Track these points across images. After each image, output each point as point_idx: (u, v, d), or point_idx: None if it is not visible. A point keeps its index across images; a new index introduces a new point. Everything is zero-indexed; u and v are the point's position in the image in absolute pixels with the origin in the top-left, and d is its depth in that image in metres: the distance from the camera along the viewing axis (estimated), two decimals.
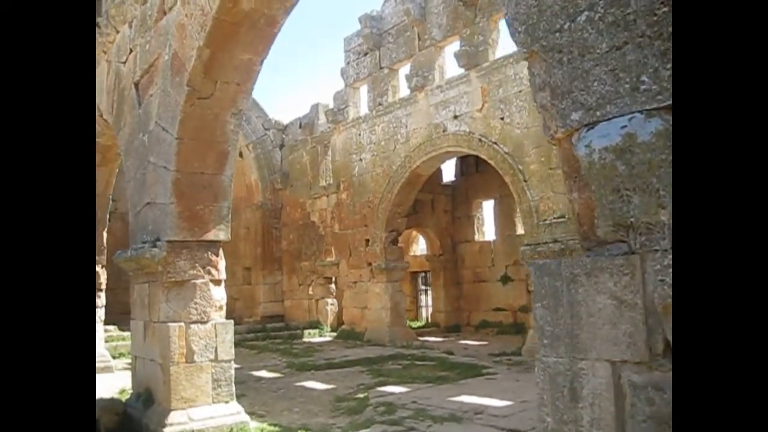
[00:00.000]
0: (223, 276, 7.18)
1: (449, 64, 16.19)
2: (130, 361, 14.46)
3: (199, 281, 6.96)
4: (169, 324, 6.77)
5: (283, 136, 21.78)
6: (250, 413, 7.30)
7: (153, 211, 7.24)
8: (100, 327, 13.32)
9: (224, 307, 7.17)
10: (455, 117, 14.88)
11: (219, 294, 7.10)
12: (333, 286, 19.89)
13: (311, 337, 18.85)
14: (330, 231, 19.16)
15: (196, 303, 6.92)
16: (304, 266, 20.48)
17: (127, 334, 16.31)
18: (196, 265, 6.95)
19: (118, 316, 17.56)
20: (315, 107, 20.46)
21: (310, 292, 20.25)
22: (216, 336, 7.02)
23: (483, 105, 14.09)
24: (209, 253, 7.06)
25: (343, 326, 18.68)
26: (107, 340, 14.06)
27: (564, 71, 2.56)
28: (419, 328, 19.78)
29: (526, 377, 9.71)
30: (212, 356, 6.99)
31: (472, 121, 14.35)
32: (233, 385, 7.16)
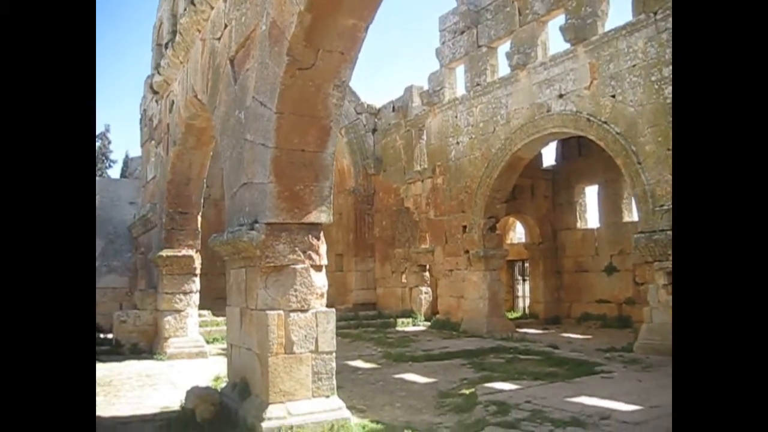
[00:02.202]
0: (324, 261, 6.68)
1: (553, 40, 15.25)
2: (223, 346, 14.43)
3: (299, 266, 6.48)
4: (268, 312, 6.32)
5: (376, 120, 21.30)
6: (350, 407, 6.78)
7: (250, 192, 6.80)
8: (194, 312, 13.23)
9: (325, 295, 6.68)
10: (560, 96, 13.96)
11: (320, 280, 6.60)
12: (427, 274, 19.31)
13: (404, 326, 18.34)
14: (425, 217, 18.55)
15: (296, 290, 6.44)
16: (397, 253, 19.97)
17: (221, 319, 16.27)
18: (296, 249, 6.47)
19: (212, 301, 17.59)
20: (409, 89, 19.85)
21: (404, 280, 19.73)
22: (317, 325, 6.54)
23: (591, 82, 13.13)
24: (310, 236, 6.56)
25: (438, 316, 18.07)
26: (201, 325, 13.95)
27: None
28: (516, 319, 18.94)
29: (649, 378, 8.81)
30: (312, 347, 6.50)
31: (579, 99, 13.40)
32: (334, 378, 6.66)
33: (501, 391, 8.27)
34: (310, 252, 6.53)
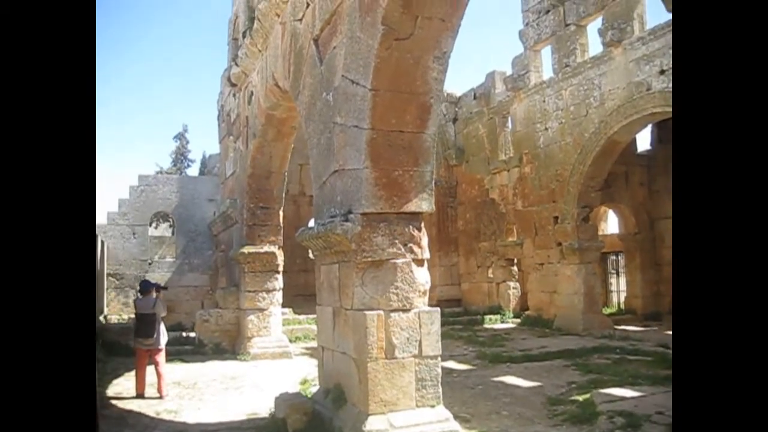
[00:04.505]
0: (426, 255, 5.97)
1: (651, 12, 14.10)
2: (307, 345, 13.99)
3: (399, 261, 5.79)
4: (366, 312, 5.66)
5: (456, 109, 20.47)
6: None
7: (342, 180, 6.15)
8: (277, 310, 12.79)
9: (428, 293, 5.97)
10: (662, 72, 12.86)
11: (423, 276, 5.90)
12: (515, 268, 18.40)
13: (492, 323, 17.49)
14: (512, 208, 17.63)
15: (396, 287, 5.76)
16: (482, 247, 19.12)
17: (302, 317, 15.87)
18: (396, 241, 5.78)
19: (292, 299, 17.21)
20: (491, 75, 18.96)
21: (490, 275, 18.87)
22: (420, 327, 5.85)
23: None
24: (410, 227, 5.87)
25: (528, 312, 17.14)
26: (283, 324, 13.48)
27: None
28: (612, 315, 17.76)
29: None
30: (416, 351, 5.82)
31: None
32: (440, 385, 5.95)
33: (622, 398, 7.41)
34: (411, 245, 5.84)
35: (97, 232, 16.02)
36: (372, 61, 5.67)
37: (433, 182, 6.02)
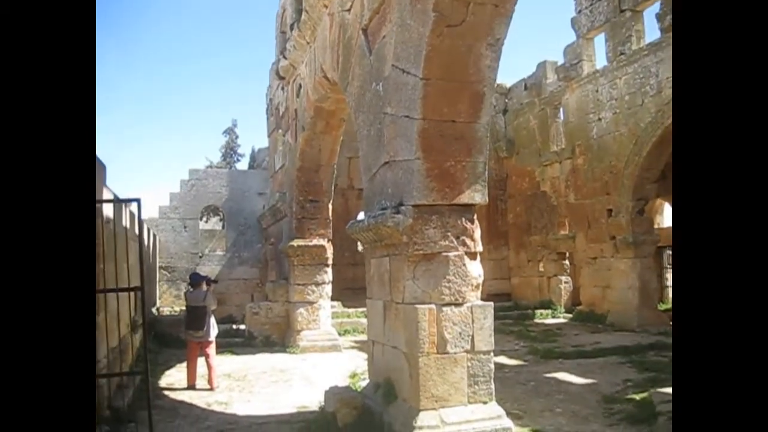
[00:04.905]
0: (479, 248, 5.82)
1: None
2: (355, 339, 13.95)
3: (452, 254, 5.65)
4: (417, 306, 5.55)
5: (506, 100, 20.13)
6: None
7: (393, 171, 6.03)
8: (327, 304, 12.78)
9: (480, 286, 5.82)
10: None
11: (476, 270, 5.76)
12: (567, 262, 18.03)
13: (543, 318, 17.17)
14: (564, 201, 17.25)
15: (448, 281, 5.63)
16: (533, 241, 18.80)
17: (351, 310, 15.86)
18: (448, 234, 5.65)
19: (341, 292, 17.20)
20: (542, 65, 18.58)
21: (541, 269, 18.55)
22: (473, 321, 5.71)
23: None
24: (463, 219, 5.72)
25: (580, 307, 16.76)
26: (332, 317, 13.47)
27: None
28: (667, 311, 17.26)
29: None
30: (468, 346, 5.69)
31: None
32: (492, 382, 5.81)
33: None
34: (463, 237, 5.69)
35: (148, 226, 16.26)
36: (423, 50, 5.53)
37: (486, 173, 5.86)
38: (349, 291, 18.46)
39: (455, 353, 5.63)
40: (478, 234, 5.79)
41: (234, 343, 12.62)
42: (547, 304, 17.87)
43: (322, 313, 12.56)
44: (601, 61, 16.13)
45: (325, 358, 11.56)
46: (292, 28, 11.68)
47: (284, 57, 12.56)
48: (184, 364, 9.27)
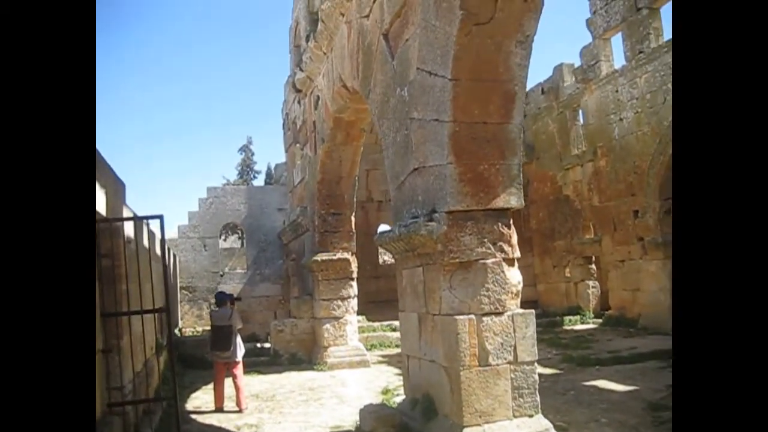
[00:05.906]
0: (517, 254, 5.58)
1: None
2: (383, 353, 13.68)
3: (489, 261, 5.41)
4: (456, 317, 5.30)
5: (524, 105, 19.86)
6: None
7: (423, 178, 5.81)
8: (353, 318, 12.54)
9: (520, 294, 5.57)
10: None
11: (515, 277, 5.51)
12: (593, 266, 17.66)
13: (572, 324, 16.80)
14: (587, 204, 16.92)
15: (487, 289, 5.38)
16: (558, 246, 18.47)
17: (377, 324, 15.59)
18: (485, 240, 5.41)
19: (365, 306, 16.92)
20: (559, 68, 18.34)
21: (567, 275, 18.20)
22: (514, 331, 5.46)
23: None
24: (499, 224, 5.48)
25: (609, 311, 16.38)
26: (358, 331, 13.21)
27: None
28: None
29: None
30: (510, 357, 5.43)
31: None
32: (537, 393, 5.54)
33: None
34: (501, 243, 5.45)
35: (168, 246, 16.11)
36: (451, 50, 5.33)
37: (521, 175, 5.62)
38: (372, 304, 18.19)
39: (498, 365, 5.38)
40: (515, 239, 5.56)
41: (259, 362, 12.40)
42: (575, 310, 17.50)
43: (349, 328, 12.31)
44: (618, 60, 15.85)
45: (354, 374, 11.31)
46: (307, 40, 11.53)
47: (300, 69, 12.41)
48: (211, 386, 9.06)
